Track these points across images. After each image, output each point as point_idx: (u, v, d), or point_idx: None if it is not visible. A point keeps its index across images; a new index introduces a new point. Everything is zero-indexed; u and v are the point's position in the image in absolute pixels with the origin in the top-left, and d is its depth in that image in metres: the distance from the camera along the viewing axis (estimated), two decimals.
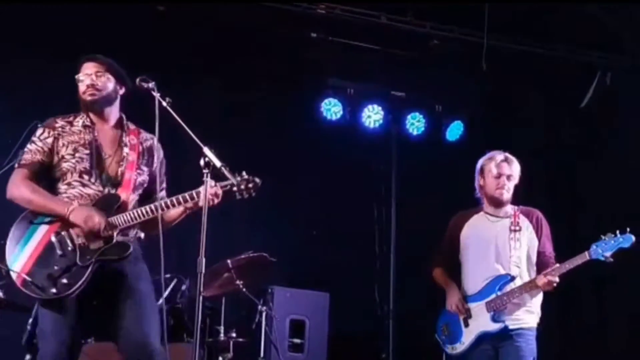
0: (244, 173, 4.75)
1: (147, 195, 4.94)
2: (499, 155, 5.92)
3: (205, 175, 4.54)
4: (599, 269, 5.92)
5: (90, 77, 4.87)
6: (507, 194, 5.89)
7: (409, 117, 9.17)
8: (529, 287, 5.63)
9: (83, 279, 4.55)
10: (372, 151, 9.30)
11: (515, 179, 5.93)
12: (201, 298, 4.42)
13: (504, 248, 5.79)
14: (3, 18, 7.45)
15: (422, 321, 6.63)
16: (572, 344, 8.88)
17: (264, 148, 8.35)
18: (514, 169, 5.91)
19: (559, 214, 9.29)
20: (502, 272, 5.72)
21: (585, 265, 5.64)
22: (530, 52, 8.76)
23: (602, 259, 5.56)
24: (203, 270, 4.46)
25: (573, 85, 9.00)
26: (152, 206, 4.69)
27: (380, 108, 9.09)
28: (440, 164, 9.02)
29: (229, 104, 8.54)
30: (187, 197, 4.71)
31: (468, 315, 5.74)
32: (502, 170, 5.86)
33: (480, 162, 5.99)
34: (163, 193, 5.00)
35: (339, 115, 9.00)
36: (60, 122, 4.86)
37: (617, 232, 5.57)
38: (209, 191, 4.63)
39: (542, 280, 5.59)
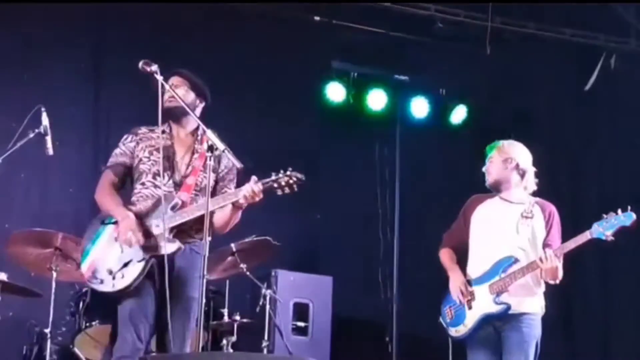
0: (289, 169, 4.89)
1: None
2: (492, 145, 5.93)
3: (209, 158, 4.62)
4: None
5: (172, 87, 5.04)
6: (491, 177, 5.83)
7: (413, 100, 9.16)
8: (532, 268, 5.60)
9: (138, 273, 4.86)
10: (376, 135, 9.29)
11: (497, 159, 5.83)
12: (205, 281, 4.45)
13: (511, 231, 5.74)
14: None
15: (426, 305, 6.62)
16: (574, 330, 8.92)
17: (268, 132, 8.34)
18: (496, 151, 5.85)
19: (561, 198, 9.33)
20: (507, 254, 5.70)
21: (588, 245, 5.61)
22: (535, 35, 8.73)
23: (603, 237, 5.52)
24: (207, 254, 4.49)
25: (577, 68, 8.99)
26: (195, 206, 4.93)
27: (384, 92, 9.07)
28: (445, 148, 9.02)
29: (232, 88, 8.52)
30: (229, 198, 4.92)
31: (472, 297, 5.69)
32: (487, 159, 5.88)
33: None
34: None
35: (342, 99, 8.99)
36: (143, 130, 5.18)
37: (619, 210, 5.55)
38: (247, 189, 4.84)
39: (543, 259, 5.53)
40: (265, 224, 7.53)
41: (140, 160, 5.10)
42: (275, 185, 4.86)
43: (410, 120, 9.17)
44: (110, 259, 4.91)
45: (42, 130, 5.24)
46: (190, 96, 5.19)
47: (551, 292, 5.80)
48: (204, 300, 4.45)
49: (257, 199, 4.87)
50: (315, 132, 8.92)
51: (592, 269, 8.72)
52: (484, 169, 5.88)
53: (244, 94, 8.54)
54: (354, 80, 9.01)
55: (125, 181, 5.17)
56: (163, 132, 5.10)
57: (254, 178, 4.84)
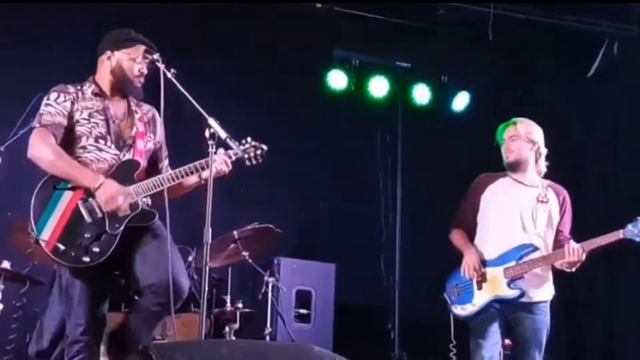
0: (249, 139, 4.84)
1: (152, 164, 4.97)
2: (508, 122, 5.89)
3: (210, 146, 4.55)
4: None
5: (145, 63, 4.87)
6: (513, 155, 5.78)
7: (415, 87, 9.15)
8: (554, 258, 5.57)
9: (114, 246, 4.57)
10: (378, 122, 9.28)
11: (523, 138, 5.80)
12: (208, 269, 4.43)
13: (529, 217, 5.71)
14: None
15: (428, 292, 6.63)
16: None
17: (270, 119, 8.33)
18: (519, 128, 5.82)
19: (563, 184, 9.34)
20: (526, 241, 5.68)
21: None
22: (538, 22, 8.71)
23: (637, 239, 5.51)
24: (209, 241, 4.47)
25: (581, 54, 8.97)
26: (173, 174, 4.73)
27: (385, 79, 9.06)
28: (447, 135, 9.01)
29: (234, 75, 8.52)
30: (198, 167, 4.75)
31: (483, 278, 5.63)
32: (506, 135, 5.81)
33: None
34: (167, 161, 5.05)
35: (344, 86, 8.98)
36: (72, 88, 4.83)
37: None
38: (218, 160, 4.72)
39: (571, 252, 5.51)
40: (268, 211, 7.56)
41: (78, 122, 4.73)
42: (246, 156, 4.83)
43: (412, 107, 9.16)
44: (79, 230, 4.56)
45: None
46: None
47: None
48: (206, 288, 4.43)
49: (227, 170, 4.80)
50: (318, 119, 8.91)
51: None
52: (503, 148, 5.80)
53: (245, 82, 8.53)
54: (355, 67, 8.99)
55: (60, 143, 4.73)
56: (95, 94, 4.84)
57: (221, 150, 4.76)
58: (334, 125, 8.98)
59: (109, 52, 4.89)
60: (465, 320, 5.70)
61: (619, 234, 5.48)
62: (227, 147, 4.80)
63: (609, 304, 9.01)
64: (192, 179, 4.85)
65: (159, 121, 5.00)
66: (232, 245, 6.83)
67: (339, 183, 9.03)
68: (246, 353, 3.62)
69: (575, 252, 5.47)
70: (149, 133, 4.95)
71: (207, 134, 4.60)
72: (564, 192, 5.88)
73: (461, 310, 5.69)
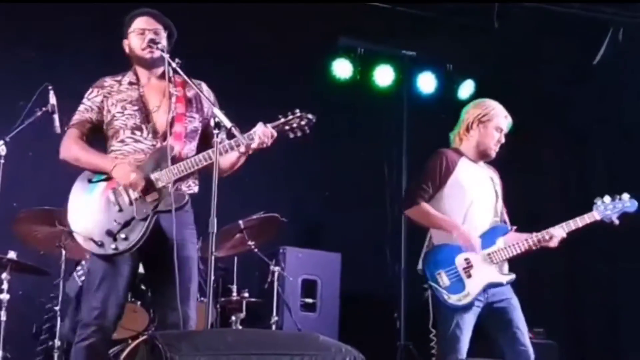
0: (297, 111, 4.83)
1: (203, 140, 4.92)
2: (503, 109, 5.75)
3: (215, 135, 4.49)
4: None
5: (152, 32, 4.84)
6: (495, 150, 5.73)
7: (420, 76, 9.13)
8: (543, 240, 5.53)
9: (141, 232, 4.60)
10: (383, 111, 9.27)
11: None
12: (213, 258, 4.42)
13: (492, 197, 5.70)
14: None
15: None
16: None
17: (274, 109, 8.30)
18: (510, 125, 5.77)
19: (569, 172, 9.32)
20: (497, 222, 5.65)
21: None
22: (543, 9, 8.68)
23: (608, 221, 5.50)
24: (215, 230, 4.45)
25: (586, 42, 8.94)
26: (202, 155, 4.67)
27: (391, 67, 9.05)
28: (452, 124, 8.98)
29: (238, 64, 8.50)
30: (227, 147, 4.65)
31: (469, 265, 5.49)
32: (504, 127, 5.71)
33: (480, 109, 5.76)
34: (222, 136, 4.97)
35: (349, 75, 8.97)
36: (108, 81, 4.88)
37: (624, 194, 5.51)
38: (264, 131, 4.65)
39: (555, 237, 5.51)
40: (273, 201, 7.56)
41: (114, 116, 4.78)
42: (287, 127, 4.76)
43: (417, 96, 9.15)
44: (108, 218, 4.62)
45: (49, 108, 5.24)
46: (165, 41, 4.87)
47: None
48: (212, 277, 4.42)
49: (269, 143, 4.69)
50: (322, 108, 8.88)
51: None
52: (493, 137, 5.70)
53: (249, 71, 8.52)
54: (360, 56, 8.98)
55: (91, 139, 4.84)
56: (131, 83, 4.85)
57: (261, 123, 4.68)
58: (339, 114, 8.96)
59: (125, 41, 4.92)
60: (455, 309, 5.45)
61: (594, 216, 5.50)
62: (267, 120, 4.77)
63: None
64: (232, 156, 4.76)
65: (207, 93, 4.93)
66: (238, 235, 6.84)
67: (344, 172, 9.02)
68: (252, 342, 3.61)
69: (558, 238, 5.48)
70: (191, 112, 4.89)
71: (212, 123, 4.57)
72: (497, 171, 5.86)
73: (457, 300, 5.45)
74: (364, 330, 7.87)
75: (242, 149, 4.66)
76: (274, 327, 7.12)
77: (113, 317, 4.63)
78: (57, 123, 5.20)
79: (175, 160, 4.68)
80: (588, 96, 9.15)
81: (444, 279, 5.50)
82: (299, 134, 4.81)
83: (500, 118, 5.72)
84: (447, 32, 8.83)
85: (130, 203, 4.64)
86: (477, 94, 9.07)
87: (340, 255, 8.45)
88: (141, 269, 4.94)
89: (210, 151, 4.62)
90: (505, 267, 5.59)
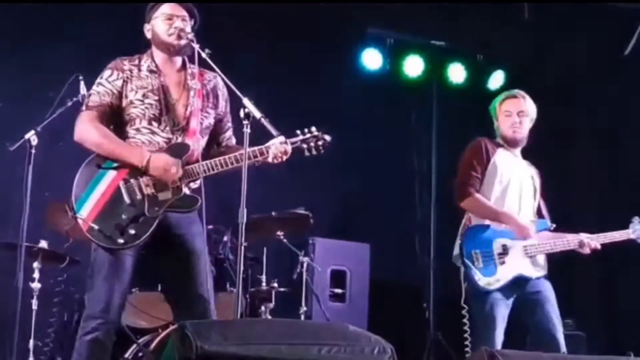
0: (313, 129, 4.76)
1: (212, 137, 4.93)
2: (510, 93, 5.80)
3: (245, 126, 4.48)
4: None
5: (180, 19, 4.77)
6: (521, 132, 5.73)
7: (450, 66, 9.10)
8: (573, 244, 5.57)
9: (150, 230, 4.56)
10: (413, 101, 9.25)
11: (529, 115, 5.76)
12: (243, 249, 4.43)
13: (532, 192, 5.73)
14: None
15: None
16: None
17: (303, 99, 8.32)
18: (528, 105, 5.75)
19: (601, 161, 9.24)
20: (533, 217, 5.67)
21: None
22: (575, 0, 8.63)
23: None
24: (244, 221, 4.46)
25: (617, 32, 8.86)
26: (222, 160, 4.64)
27: (420, 58, 9.02)
28: (482, 114, 8.94)
29: (268, 55, 8.51)
30: (257, 153, 4.65)
31: (504, 251, 5.53)
32: (512, 107, 5.72)
33: (495, 104, 5.84)
34: (229, 132, 5.01)
35: (379, 66, 8.95)
36: (128, 65, 4.78)
37: None
38: (279, 148, 4.63)
39: (589, 241, 5.54)
40: (303, 191, 7.57)
41: (131, 102, 4.68)
42: (304, 145, 4.74)
43: (447, 86, 9.12)
44: (117, 211, 4.54)
45: (80, 98, 5.25)
46: (190, 28, 4.80)
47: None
48: (242, 267, 4.43)
49: (283, 159, 4.70)
50: (352, 99, 8.88)
51: None
52: (507, 120, 5.73)
53: (280, 62, 8.52)
54: (390, 46, 8.96)
55: (109, 124, 4.72)
56: (151, 71, 4.77)
57: (281, 138, 4.63)
58: (369, 105, 8.95)
59: (147, 25, 4.87)
60: (485, 292, 5.47)
61: (629, 234, 5.57)
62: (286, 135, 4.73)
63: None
64: (249, 162, 4.69)
65: (222, 90, 4.94)
66: (267, 224, 6.85)
67: (374, 163, 9.01)
68: (281, 332, 3.62)
69: (592, 246, 5.56)
70: (207, 108, 4.87)
71: (241, 114, 4.51)
72: (539, 172, 5.89)
73: (486, 283, 5.47)
74: (393, 320, 7.88)
75: (259, 159, 4.66)
76: (303, 317, 7.15)
77: (117, 309, 4.60)
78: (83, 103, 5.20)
79: (188, 158, 4.68)
80: (620, 87, 9.07)
81: (479, 260, 5.53)
82: (314, 152, 4.78)
83: (505, 102, 5.79)
84: (477, 22, 8.79)
85: (142, 199, 4.58)
86: (507, 85, 9.03)
87: (369, 245, 8.45)
88: None
89: (233, 155, 4.63)
90: (541, 262, 5.58)
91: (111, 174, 4.62)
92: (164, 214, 4.62)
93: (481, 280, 5.48)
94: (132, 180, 4.60)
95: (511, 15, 8.61)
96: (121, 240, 4.53)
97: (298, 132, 4.78)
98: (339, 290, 8.22)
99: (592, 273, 8.94)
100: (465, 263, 5.56)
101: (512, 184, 5.65)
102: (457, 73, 9.10)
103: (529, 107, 5.77)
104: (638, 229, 5.58)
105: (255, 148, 4.64)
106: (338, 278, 8.24)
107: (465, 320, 5.65)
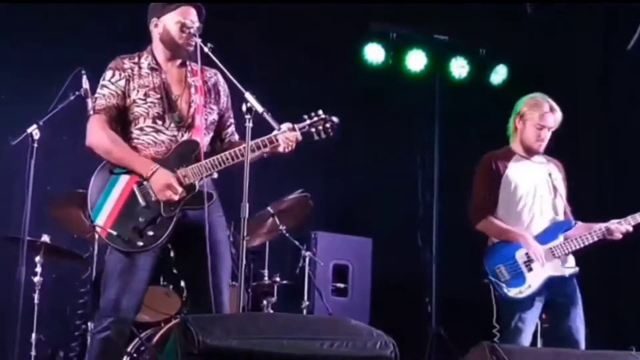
0: (320, 112, 4.78)
1: (215, 133, 4.93)
2: (545, 104, 5.70)
3: (247, 120, 4.47)
4: None
5: (195, 25, 4.73)
6: (543, 145, 5.73)
7: (452, 61, 9.10)
8: (602, 234, 5.56)
9: (169, 230, 4.57)
10: (415, 96, 9.24)
11: (554, 128, 5.76)
12: (245, 243, 4.43)
13: (551, 192, 5.72)
14: None
15: (465, 266, 6.61)
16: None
17: (305, 93, 8.31)
18: (557, 119, 5.73)
19: (602, 158, 9.22)
20: (559, 216, 5.66)
21: None
22: None
23: None
24: (247, 216, 4.46)
25: (621, 27, 8.85)
26: (232, 153, 4.63)
27: (423, 52, 9.02)
28: (485, 108, 8.96)
29: (270, 49, 8.50)
30: (267, 142, 4.65)
31: (529, 259, 5.53)
32: (546, 123, 5.67)
33: (523, 105, 5.76)
34: (231, 128, 5.00)
35: (381, 60, 8.95)
36: (128, 63, 4.77)
37: None
38: (288, 136, 4.64)
39: (620, 227, 5.54)
40: (305, 185, 7.54)
41: (134, 102, 4.68)
42: (313, 129, 4.75)
43: (449, 81, 9.11)
44: (134, 214, 4.56)
45: (82, 92, 5.24)
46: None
47: None
48: (244, 262, 4.43)
49: (293, 146, 4.71)
50: (355, 93, 8.88)
51: None
52: (535, 131, 5.69)
53: (282, 56, 8.52)
54: (393, 41, 8.95)
55: (117, 125, 4.72)
56: (152, 68, 4.75)
57: (288, 125, 4.66)
58: (371, 100, 8.95)
59: (155, 20, 4.83)
60: (516, 302, 5.52)
61: None
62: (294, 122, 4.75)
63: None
64: (256, 154, 4.72)
65: (223, 86, 4.94)
66: (270, 220, 6.85)
67: (376, 157, 9.02)
68: (283, 326, 3.62)
69: (623, 232, 5.56)
70: (211, 104, 4.87)
71: (244, 108, 4.50)
72: (562, 164, 5.87)
73: (518, 292, 5.51)
74: (395, 315, 7.89)
75: (268, 149, 4.67)
76: (305, 311, 7.15)
77: (132, 309, 4.60)
78: (90, 107, 5.19)
79: (198, 155, 4.67)
80: (622, 82, 9.06)
81: (504, 273, 5.57)
82: (323, 136, 4.79)
83: (539, 114, 5.69)
84: (480, 17, 8.78)
85: (157, 200, 4.58)
86: (509, 80, 9.04)
87: (372, 240, 8.45)
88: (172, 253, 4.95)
89: (241, 147, 4.60)
90: (570, 260, 5.59)
91: (124, 178, 4.63)
92: (182, 212, 4.62)
93: (511, 291, 5.53)
94: (145, 183, 4.60)
95: (514, 10, 8.59)
96: (140, 243, 4.54)
97: (305, 116, 4.79)
98: (341, 285, 8.23)
99: (594, 267, 8.93)
100: (491, 281, 5.60)
101: (528, 193, 5.67)
102: (459, 68, 9.09)
103: (557, 122, 5.76)
104: None
105: (264, 138, 4.65)
106: (340, 272, 8.25)
107: (496, 340, 5.67)
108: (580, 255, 5.70)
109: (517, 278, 5.53)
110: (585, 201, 8.00)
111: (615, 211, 5.74)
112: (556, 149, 8.44)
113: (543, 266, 5.49)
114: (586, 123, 9.28)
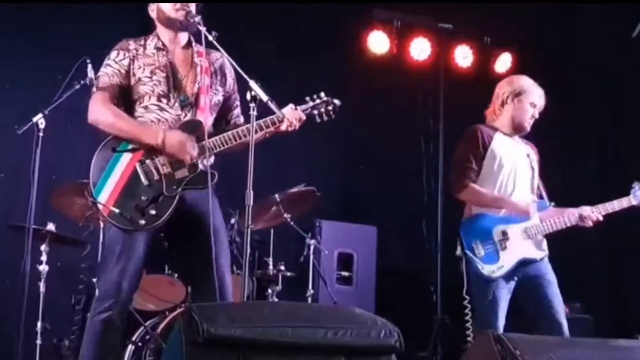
0: (322, 94, 4.82)
1: (221, 114, 4.93)
2: (537, 87, 5.75)
3: (251, 109, 4.48)
4: None
5: None
6: (530, 126, 5.75)
7: (456, 49, 9.08)
8: (573, 219, 5.55)
9: (170, 209, 4.55)
10: (420, 84, 9.23)
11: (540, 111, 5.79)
12: (249, 231, 4.43)
13: (529, 173, 5.71)
14: None
15: None
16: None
17: (310, 82, 8.30)
18: (544, 102, 5.76)
19: (604, 146, 9.22)
20: (534, 197, 5.64)
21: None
22: None
23: None
24: (251, 203, 4.46)
25: (625, 14, 8.83)
26: (236, 132, 4.65)
27: (427, 40, 9.00)
28: (489, 97, 8.93)
29: (274, 39, 8.50)
30: (269, 123, 4.67)
31: (505, 237, 5.52)
32: (540, 102, 5.71)
33: (520, 84, 5.76)
34: (237, 110, 5.01)
35: (385, 48, 8.93)
36: (133, 45, 4.78)
37: None
38: (293, 115, 4.68)
39: (591, 215, 5.52)
40: (309, 174, 7.56)
41: (140, 80, 4.69)
42: (315, 112, 4.79)
43: (454, 69, 9.10)
44: (136, 193, 4.54)
45: (87, 81, 5.25)
46: (194, 8, 4.79)
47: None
48: (249, 250, 4.43)
49: (297, 126, 4.73)
50: (358, 82, 8.87)
51: None
52: (527, 111, 5.71)
53: (285, 44, 8.51)
54: (397, 29, 8.94)
55: (120, 104, 4.71)
56: (158, 48, 4.77)
57: (291, 106, 4.70)
58: (375, 88, 8.94)
59: (152, 6, 4.87)
60: (488, 280, 5.47)
61: (630, 201, 5.51)
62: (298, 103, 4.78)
63: None
64: (260, 134, 4.72)
65: (229, 69, 4.94)
66: (274, 208, 6.85)
67: (381, 146, 9.01)
68: (288, 315, 3.63)
69: (594, 218, 5.52)
70: (216, 85, 4.88)
71: (248, 96, 4.50)
72: (535, 147, 5.87)
73: (490, 272, 5.46)
74: (400, 303, 7.91)
75: (272, 129, 4.68)
76: (310, 300, 7.17)
77: (130, 290, 4.60)
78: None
79: (201, 134, 4.66)
80: (627, 70, 9.04)
81: (480, 249, 5.54)
82: (325, 118, 4.83)
83: (534, 94, 5.73)
84: (483, 4, 8.75)
85: (159, 179, 4.58)
86: (514, 68, 9.02)
87: (377, 228, 8.46)
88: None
89: (245, 127, 4.62)
90: (543, 243, 5.58)
91: (127, 157, 4.61)
92: (182, 191, 4.62)
93: (485, 269, 5.49)
94: (147, 161, 4.60)
95: None
96: (143, 222, 4.53)
97: (307, 98, 4.83)
98: (345, 273, 8.23)
99: (598, 255, 8.95)
100: (467, 255, 5.57)
101: (510, 167, 5.64)
102: (464, 56, 9.08)
103: (543, 105, 5.78)
104: (639, 194, 5.53)
105: (267, 118, 4.66)
106: (345, 261, 8.25)
107: (467, 311, 5.67)
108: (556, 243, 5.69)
109: (492, 255, 5.50)
110: (583, 191, 8.04)
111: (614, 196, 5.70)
112: (556, 138, 8.48)
113: (512, 246, 5.47)
114: (589, 112, 9.28)
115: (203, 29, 4.69)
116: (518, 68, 9.01)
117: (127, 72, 4.72)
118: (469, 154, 5.66)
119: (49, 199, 6.24)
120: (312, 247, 7.20)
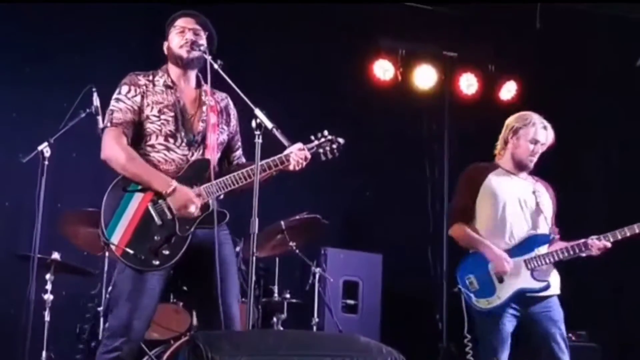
0: (326, 132, 4.82)
1: (224, 155, 4.93)
2: (538, 120, 5.72)
3: (257, 137, 4.46)
4: None
5: (191, 32, 4.77)
6: (534, 162, 5.73)
7: (461, 77, 9.11)
8: (578, 249, 5.53)
9: (183, 249, 4.56)
10: (425, 112, 9.25)
11: (547, 145, 5.77)
12: (254, 259, 4.42)
13: (532, 207, 5.68)
14: None
15: None
16: None
17: (315, 110, 8.33)
18: (550, 136, 5.73)
19: (611, 173, 9.21)
20: (539, 231, 5.64)
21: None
22: (585, 10, 8.61)
23: None
24: (256, 231, 4.45)
25: (629, 43, 8.85)
26: (245, 172, 4.64)
27: (432, 68, 9.03)
28: (494, 124, 8.93)
29: (280, 65, 8.52)
30: (278, 162, 4.69)
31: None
32: (540, 137, 5.68)
33: (515, 122, 5.78)
34: (239, 152, 5.01)
35: (390, 77, 8.96)
36: (143, 80, 4.75)
37: None
38: (298, 154, 4.68)
39: (597, 243, 5.51)
40: (315, 201, 7.56)
41: (148, 118, 4.65)
42: (320, 150, 4.79)
43: (459, 97, 9.12)
44: (149, 233, 4.53)
45: (93, 110, 5.27)
46: (205, 45, 4.76)
47: None
48: (254, 278, 4.42)
49: (304, 165, 4.73)
50: (364, 109, 8.89)
51: None
52: (527, 148, 5.69)
53: (291, 73, 8.54)
54: (402, 57, 8.97)
55: (132, 141, 4.67)
56: (167, 86, 4.75)
57: (299, 145, 4.70)
58: (381, 116, 8.95)
59: (165, 43, 4.88)
60: (488, 314, 5.51)
61: (634, 229, 5.48)
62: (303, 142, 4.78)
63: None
64: (266, 174, 4.71)
65: (233, 110, 4.97)
66: (279, 236, 6.84)
67: (386, 173, 9.01)
68: (293, 343, 3.62)
69: (601, 248, 5.50)
70: (222, 124, 4.88)
71: (253, 124, 4.49)
72: (552, 187, 5.86)
73: (487, 304, 5.51)
74: (405, 331, 7.86)
75: (280, 168, 4.70)
76: (315, 328, 7.13)
77: (142, 328, 4.58)
78: (100, 125, 5.19)
79: (209, 174, 4.67)
80: (633, 95, 9.05)
81: (474, 283, 5.59)
82: (329, 156, 4.84)
83: (533, 129, 5.71)
84: (489, 32, 8.79)
85: (172, 218, 4.57)
86: (519, 95, 9.03)
87: (382, 256, 8.44)
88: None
89: (249, 169, 4.62)
90: (549, 276, 5.56)
91: (138, 196, 4.59)
92: (198, 239, 4.62)
93: (479, 302, 5.55)
94: (160, 201, 4.59)
95: (523, 26, 8.59)
96: (156, 262, 4.52)
97: (312, 137, 4.82)
98: (351, 302, 8.21)
99: (605, 284, 8.91)
100: (461, 290, 5.65)
101: (505, 203, 5.64)
102: (468, 84, 9.10)
103: (550, 139, 5.77)
104: None
105: (275, 157, 4.68)
106: (350, 289, 8.24)
107: (468, 349, 5.73)
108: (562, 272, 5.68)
109: (487, 289, 5.53)
110: (593, 221, 8.02)
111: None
112: (562, 169, 8.48)
113: (509, 278, 5.47)
114: (594, 141, 9.28)
115: (209, 57, 4.69)
116: (523, 96, 9.03)
117: (139, 108, 4.68)
118: (463, 192, 5.78)
119: (56, 226, 6.23)
120: (317, 275, 7.18)
